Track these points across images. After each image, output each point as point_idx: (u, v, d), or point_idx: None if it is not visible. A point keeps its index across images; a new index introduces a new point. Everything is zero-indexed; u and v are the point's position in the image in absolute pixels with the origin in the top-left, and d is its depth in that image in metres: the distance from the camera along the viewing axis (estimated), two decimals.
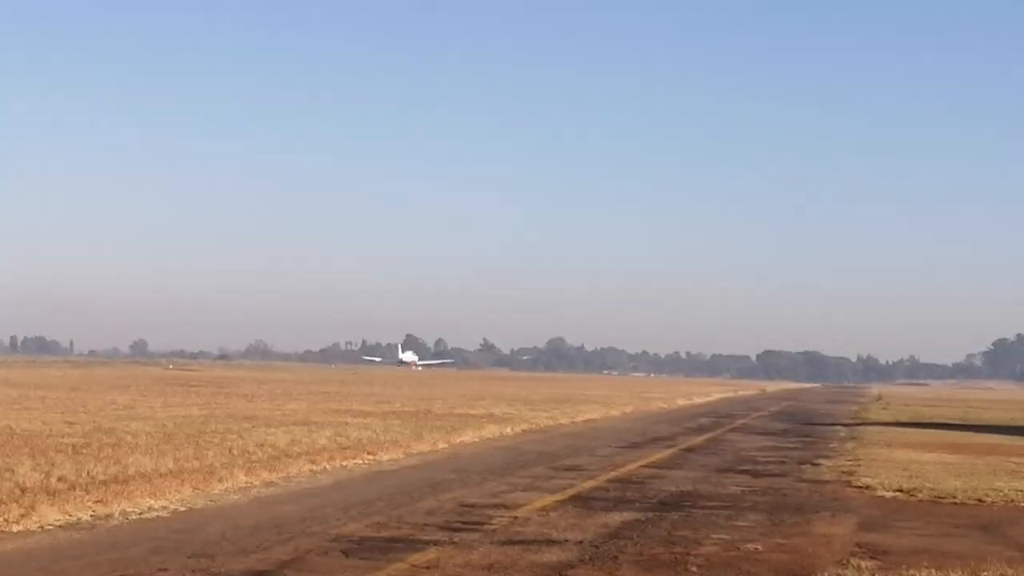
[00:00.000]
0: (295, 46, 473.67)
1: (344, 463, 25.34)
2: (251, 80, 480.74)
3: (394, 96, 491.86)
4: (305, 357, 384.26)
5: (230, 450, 25.97)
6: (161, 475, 20.81)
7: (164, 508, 17.80)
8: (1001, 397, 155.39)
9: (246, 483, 21.04)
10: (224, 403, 50.69)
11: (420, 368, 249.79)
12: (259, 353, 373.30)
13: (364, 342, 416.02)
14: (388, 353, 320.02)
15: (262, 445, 27.43)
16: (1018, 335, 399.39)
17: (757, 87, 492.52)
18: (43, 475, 19.85)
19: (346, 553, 14.62)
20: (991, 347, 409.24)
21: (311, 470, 23.78)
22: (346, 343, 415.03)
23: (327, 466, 24.59)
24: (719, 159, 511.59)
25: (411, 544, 15.36)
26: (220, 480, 20.79)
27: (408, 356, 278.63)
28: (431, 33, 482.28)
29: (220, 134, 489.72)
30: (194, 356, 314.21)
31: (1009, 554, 15.64)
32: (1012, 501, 22.10)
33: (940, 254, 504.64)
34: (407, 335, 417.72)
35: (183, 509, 17.92)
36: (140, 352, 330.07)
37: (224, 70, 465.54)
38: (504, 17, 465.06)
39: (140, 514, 17.21)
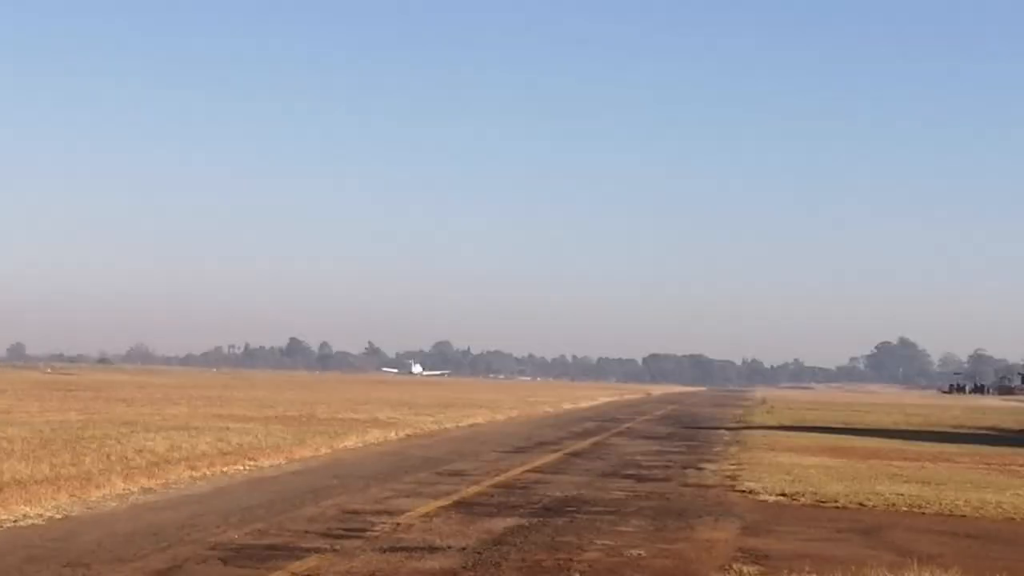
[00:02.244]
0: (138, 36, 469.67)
1: (225, 469, 24.99)
2: (129, 77, 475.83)
3: (275, 93, 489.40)
4: (187, 361, 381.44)
5: (108, 456, 25.54)
6: (37, 482, 20.39)
7: (39, 516, 17.38)
8: (883, 400, 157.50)
9: (124, 490, 20.64)
10: (103, 408, 49.92)
11: (424, 376, 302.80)
12: (140, 357, 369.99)
13: (247, 345, 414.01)
14: (401, 365, 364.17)
15: (141, 451, 27.02)
16: (900, 338, 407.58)
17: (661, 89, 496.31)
18: None
19: (225, 561, 14.37)
20: (874, 350, 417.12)
21: (191, 476, 23.41)
22: (229, 346, 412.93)
23: (207, 472, 24.23)
24: (605, 160, 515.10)
25: (292, 551, 15.14)
26: (97, 487, 20.38)
27: (416, 368, 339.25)
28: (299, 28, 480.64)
29: (98, 135, 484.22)
30: (73, 360, 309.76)
31: (890, 558, 15.75)
32: (893, 505, 22.30)
33: (823, 258, 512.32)
34: (291, 338, 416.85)
35: (59, 516, 17.52)
36: (17, 355, 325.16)
37: (94, 66, 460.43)
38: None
39: (15, 522, 16.81)
